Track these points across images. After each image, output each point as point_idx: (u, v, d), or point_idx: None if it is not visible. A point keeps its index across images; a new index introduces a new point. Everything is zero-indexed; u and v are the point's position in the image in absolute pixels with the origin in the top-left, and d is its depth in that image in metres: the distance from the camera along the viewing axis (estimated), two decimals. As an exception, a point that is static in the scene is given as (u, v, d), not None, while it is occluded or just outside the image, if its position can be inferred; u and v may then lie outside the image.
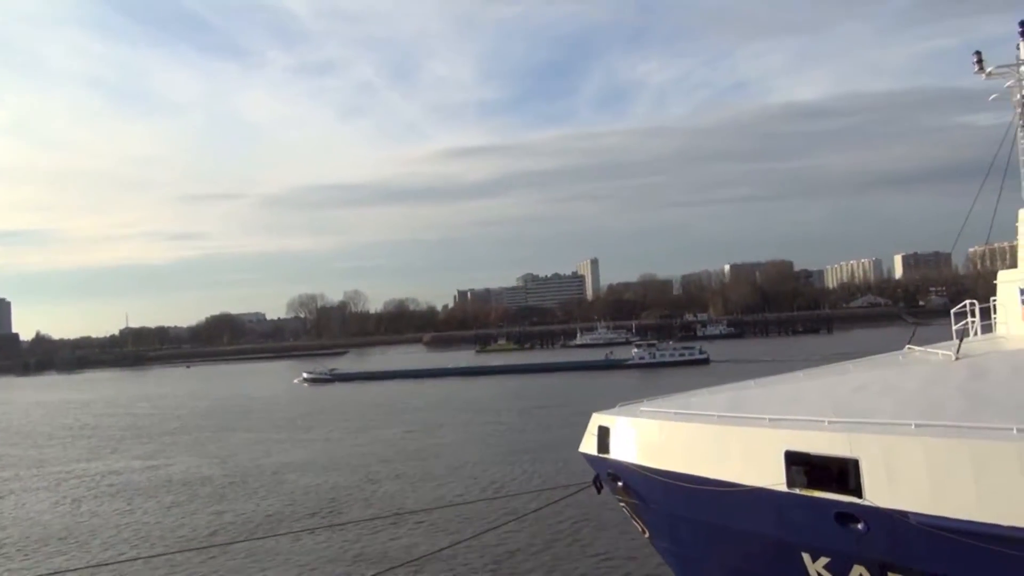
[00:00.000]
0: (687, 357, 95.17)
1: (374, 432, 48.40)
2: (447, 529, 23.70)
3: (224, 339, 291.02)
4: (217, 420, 62.46)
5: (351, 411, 62.00)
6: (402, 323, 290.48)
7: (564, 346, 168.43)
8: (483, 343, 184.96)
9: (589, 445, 16.93)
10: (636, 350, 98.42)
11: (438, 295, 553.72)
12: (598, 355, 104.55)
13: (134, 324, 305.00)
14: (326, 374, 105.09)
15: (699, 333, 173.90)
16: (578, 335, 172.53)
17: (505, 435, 43.97)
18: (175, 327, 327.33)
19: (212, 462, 40.58)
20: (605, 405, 16.68)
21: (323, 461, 38.41)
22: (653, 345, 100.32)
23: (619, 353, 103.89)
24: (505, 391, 73.31)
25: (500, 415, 53.09)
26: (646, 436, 15.10)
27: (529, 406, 57.45)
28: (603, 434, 16.41)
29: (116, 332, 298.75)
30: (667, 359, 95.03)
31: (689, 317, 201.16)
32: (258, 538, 23.81)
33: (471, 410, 57.57)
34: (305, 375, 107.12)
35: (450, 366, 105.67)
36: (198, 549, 22.86)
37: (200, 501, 30.76)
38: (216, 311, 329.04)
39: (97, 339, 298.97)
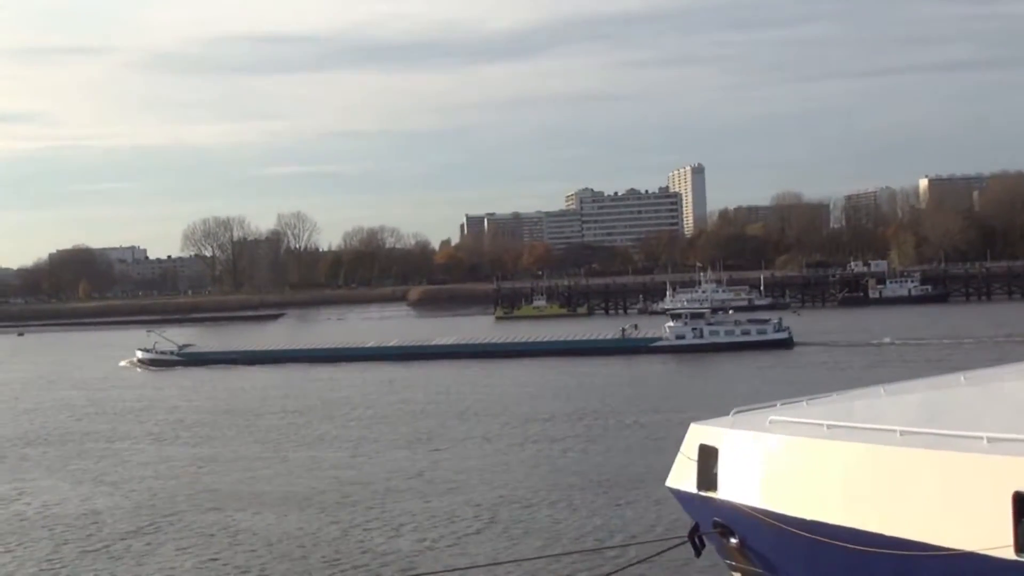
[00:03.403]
0: (755, 337, 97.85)
1: (332, 446, 51.26)
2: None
3: (79, 290, 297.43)
4: (93, 422, 65.54)
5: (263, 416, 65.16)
6: (374, 269, 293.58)
7: (644, 311, 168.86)
8: (508, 303, 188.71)
9: (683, 476, 17.56)
10: (672, 324, 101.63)
11: (435, 224, 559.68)
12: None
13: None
14: (172, 353, 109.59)
15: (873, 293, 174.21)
16: (669, 294, 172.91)
17: (527, 455, 46.14)
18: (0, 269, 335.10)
19: (102, 489, 42.77)
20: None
21: (277, 490, 40.77)
22: (700, 316, 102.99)
23: (647, 327, 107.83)
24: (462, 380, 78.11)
25: (493, 424, 55.89)
26: (780, 464, 15.56)
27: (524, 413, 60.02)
28: (706, 458, 16.97)
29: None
30: (722, 339, 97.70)
31: (857, 266, 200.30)
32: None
33: (452, 414, 60.80)
34: (139, 354, 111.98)
35: (400, 343, 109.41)
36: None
37: (99, 557, 32.26)
38: (67, 243, 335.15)
39: None
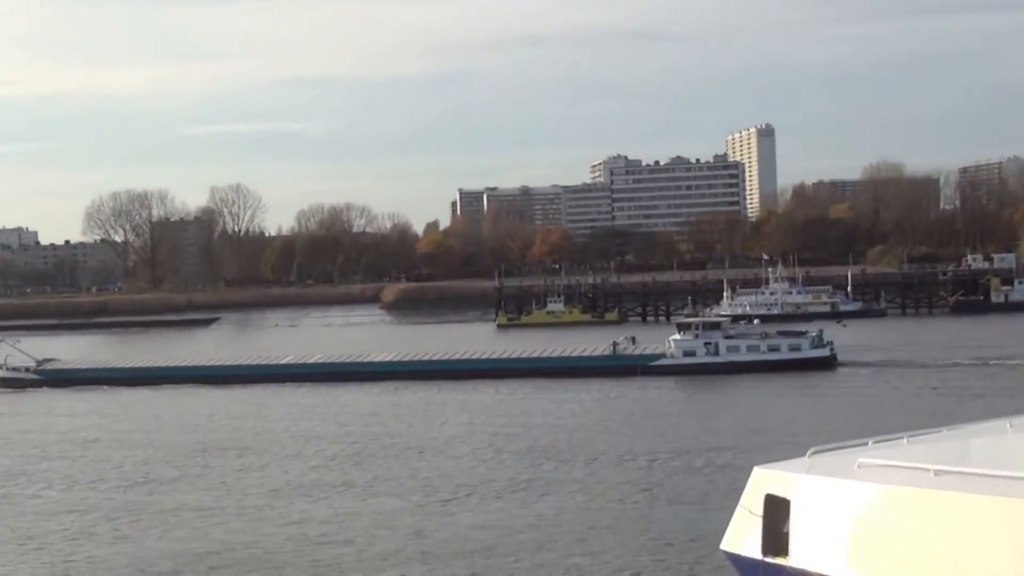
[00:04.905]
0: (786, 354, 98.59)
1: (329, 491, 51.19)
2: None
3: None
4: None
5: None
6: (338, 260, 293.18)
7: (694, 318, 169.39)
8: (514, 307, 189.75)
9: (744, 536, 17.68)
10: (678, 336, 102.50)
11: (419, 202, 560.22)
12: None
13: None
14: (28, 370, 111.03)
15: (996, 296, 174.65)
16: (727, 295, 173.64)
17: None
18: None
19: (25, 552, 42.81)
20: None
21: (231, 554, 40.99)
22: (716, 327, 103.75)
23: (648, 340, 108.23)
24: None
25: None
26: (873, 521, 15.57)
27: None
28: (775, 513, 17.12)
29: None
30: (743, 356, 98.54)
31: (975, 261, 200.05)
32: None
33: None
34: None
35: (326, 359, 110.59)
36: None
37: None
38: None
39: None
